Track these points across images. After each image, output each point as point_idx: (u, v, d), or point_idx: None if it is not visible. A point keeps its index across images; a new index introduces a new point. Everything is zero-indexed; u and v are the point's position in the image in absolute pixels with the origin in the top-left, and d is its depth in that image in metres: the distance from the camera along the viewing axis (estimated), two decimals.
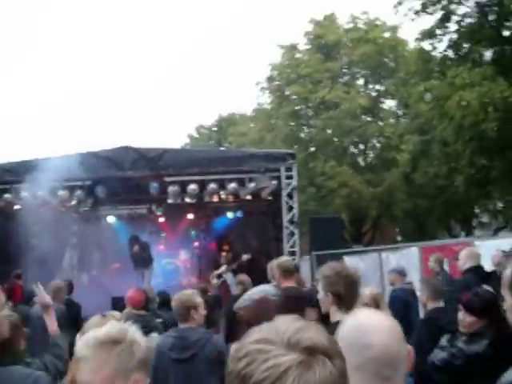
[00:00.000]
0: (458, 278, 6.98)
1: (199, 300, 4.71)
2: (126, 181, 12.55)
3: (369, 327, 1.68)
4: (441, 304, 5.40)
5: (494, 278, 7.03)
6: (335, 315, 3.62)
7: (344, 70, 28.08)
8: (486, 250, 9.49)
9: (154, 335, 5.57)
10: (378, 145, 27.35)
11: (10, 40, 79.62)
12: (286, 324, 1.16)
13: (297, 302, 4.50)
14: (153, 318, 6.10)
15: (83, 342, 1.96)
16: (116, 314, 3.63)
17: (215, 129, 44.45)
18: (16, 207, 13.12)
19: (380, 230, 27.86)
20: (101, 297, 14.03)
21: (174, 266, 17.26)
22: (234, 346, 1.22)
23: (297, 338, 1.12)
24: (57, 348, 3.40)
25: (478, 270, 6.33)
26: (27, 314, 6.93)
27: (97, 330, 1.98)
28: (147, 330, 5.65)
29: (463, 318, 4.39)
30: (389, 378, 1.62)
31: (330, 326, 3.63)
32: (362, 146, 27.88)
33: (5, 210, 13.12)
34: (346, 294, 3.55)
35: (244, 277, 8.18)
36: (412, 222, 26.19)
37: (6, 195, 12.83)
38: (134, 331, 2.04)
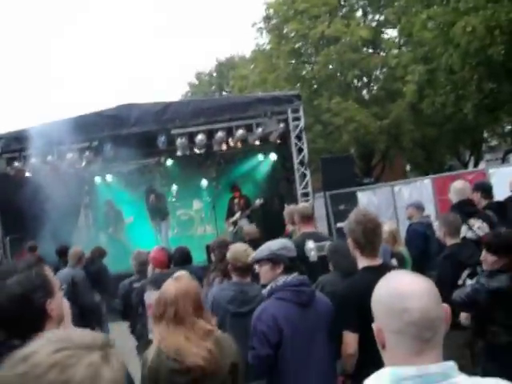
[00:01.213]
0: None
1: None
2: (132, 137, 12.50)
3: (405, 291, 1.68)
4: (459, 239, 5.40)
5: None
6: (360, 261, 3.75)
7: (342, 3, 27.38)
8: (500, 178, 9.53)
9: None
10: (381, 77, 26.91)
11: None
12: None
13: None
14: None
15: None
16: (184, 272, 3.56)
17: (215, 74, 43.91)
18: (26, 174, 13.18)
19: (389, 161, 27.74)
20: (121, 254, 14.26)
21: (188, 216, 17.40)
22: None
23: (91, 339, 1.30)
24: None
25: (461, 205, 6.14)
26: None
27: None
28: None
29: (485, 257, 4.52)
30: (429, 340, 1.65)
31: (357, 272, 3.70)
32: (365, 79, 27.47)
33: (15, 178, 13.17)
34: (365, 241, 3.64)
35: (251, 229, 8.14)
36: (421, 151, 26.04)
37: (15, 163, 12.90)
38: None
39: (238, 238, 12.59)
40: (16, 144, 12.58)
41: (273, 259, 3.88)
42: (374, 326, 1.74)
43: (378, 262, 3.69)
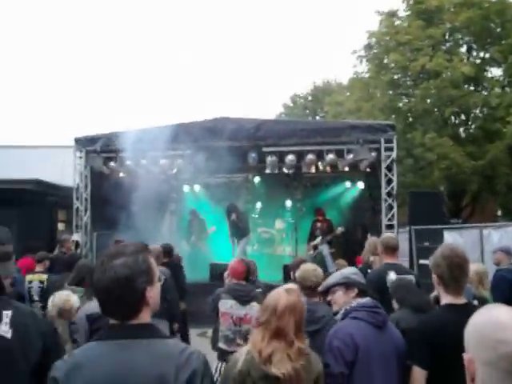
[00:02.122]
0: None
1: None
2: (224, 150, 12.68)
3: (503, 321, 1.58)
4: None
5: None
6: (442, 297, 3.59)
7: (446, 37, 26.90)
8: None
9: (254, 304, 5.70)
10: (481, 116, 26.11)
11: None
12: None
13: None
14: (253, 288, 6.22)
15: None
16: (294, 286, 3.63)
17: (310, 98, 44.11)
18: (120, 175, 13.68)
19: (480, 204, 26.78)
20: (199, 262, 14.48)
21: (269, 234, 17.46)
22: None
23: None
24: None
25: None
26: None
27: None
28: (248, 299, 5.81)
29: None
30: None
31: (440, 307, 3.59)
32: (463, 117, 26.76)
33: (110, 177, 13.70)
34: (450, 276, 3.48)
35: (342, 262, 8.14)
36: None
37: (111, 163, 13.39)
38: None
39: (317, 262, 12.54)
40: (114, 145, 13.03)
41: (346, 283, 3.89)
42: (464, 356, 1.64)
43: (462, 300, 3.52)
